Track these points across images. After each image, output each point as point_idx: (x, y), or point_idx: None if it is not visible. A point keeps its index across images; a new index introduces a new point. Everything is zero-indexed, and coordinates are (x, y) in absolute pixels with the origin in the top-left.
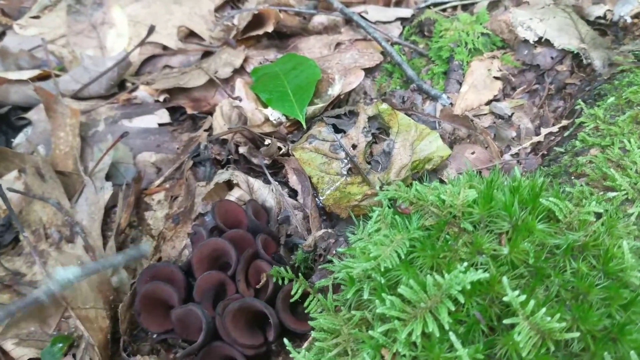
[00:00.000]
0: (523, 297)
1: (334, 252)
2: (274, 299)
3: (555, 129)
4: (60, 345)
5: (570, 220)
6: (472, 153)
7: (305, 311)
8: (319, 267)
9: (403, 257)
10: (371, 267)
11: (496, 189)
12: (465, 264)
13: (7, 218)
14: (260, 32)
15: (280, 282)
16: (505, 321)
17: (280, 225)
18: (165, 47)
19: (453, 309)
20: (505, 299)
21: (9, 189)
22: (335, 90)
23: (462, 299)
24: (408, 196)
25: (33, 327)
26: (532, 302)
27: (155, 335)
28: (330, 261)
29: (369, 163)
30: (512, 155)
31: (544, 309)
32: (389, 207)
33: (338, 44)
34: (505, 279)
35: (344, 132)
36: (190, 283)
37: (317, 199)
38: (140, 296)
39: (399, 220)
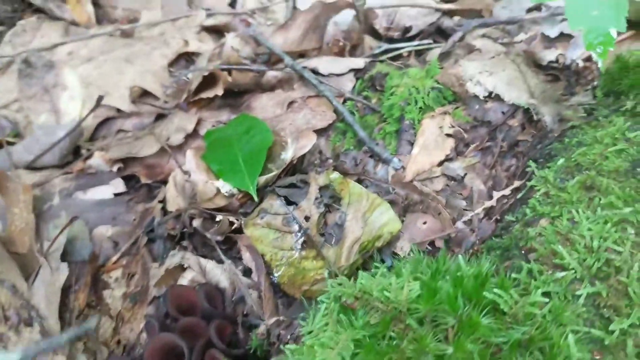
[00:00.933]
0: None
1: (288, 338)
2: None
3: (507, 191)
4: None
5: (516, 311)
6: (424, 223)
7: None
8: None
9: None
10: None
11: (442, 279)
12: None
13: None
14: (211, 94)
15: None
16: None
17: (236, 305)
18: (119, 110)
19: None
20: None
21: None
22: (288, 155)
23: None
24: (353, 292)
25: None
26: None
27: None
28: (283, 351)
29: (322, 235)
30: (464, 222)
31: None
32: (335, 302)
33: (291, 103)
34: None
35: (296, 204)
36: None
37: (271, 277)
38: None
39: (344, 317)
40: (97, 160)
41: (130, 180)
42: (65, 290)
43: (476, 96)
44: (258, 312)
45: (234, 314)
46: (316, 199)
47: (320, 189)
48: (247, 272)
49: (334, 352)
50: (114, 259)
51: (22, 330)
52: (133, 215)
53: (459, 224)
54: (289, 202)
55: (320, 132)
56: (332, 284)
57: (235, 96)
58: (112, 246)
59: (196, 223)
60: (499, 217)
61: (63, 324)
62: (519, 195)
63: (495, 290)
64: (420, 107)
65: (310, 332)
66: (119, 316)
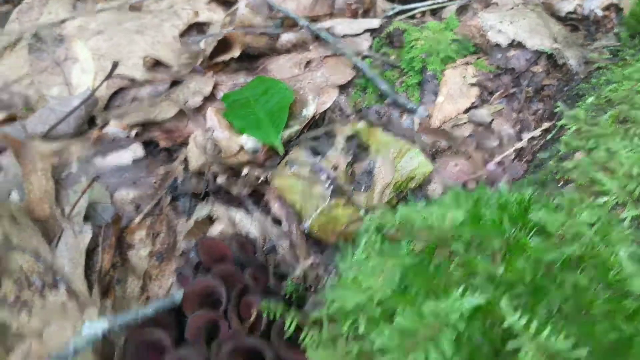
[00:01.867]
0: (524, 321)
1: (325, 280)
2: (270, 332)
3: (537, 132)
4: None
5: (563, 232)
6: (455, 165)
7: (301, 347)
8: (311, 299)
9: (396, 286)
10: (365, 300)
11: (484, 207)
12: (461, 288)
13: None
14: (227, 57)
15: (272, 316)
16: (510, 345)
17: (268, 255)
18: (132, 79)
19: (453, 336)
20: (505, 324)
21: None
22: (309, 111)
23: (461, 326)
24: (394, 221)
25: None
26: (534, 324)
27: None
28: (322, 292)
29: (351, 183)
30: (496, 164)
31: (548, 329)
32: (376, 234)
33: (308, 62)
34: (503, 303)
35: (323, 155)
36: (183, 323)
37: (302, 225)
38: (131, 343)
39: (387, 247)
40: (114, 128)
41: (148, 145)
42: (89, 253)
43: (498, 45)
44: (290, 260)
45: (266, 263)
46: (343, 148)
47: (347, 138)
48: (276, 224)
49: (381, 278)
50: (137, 220)
51: (47, 294)
52: (154, 178)
53: (490, 166)
54: (315, 153)
55: (339, 89)
56: (372, 217)
57: (250, 60)
58: (134, 209)
59: (220, 180)
60: (530, 158)
61: (90, 285)
62: (549, 136)
63: (541, 212)
64: (442, 58)
65: (350, 268)
66: (146, 274)
